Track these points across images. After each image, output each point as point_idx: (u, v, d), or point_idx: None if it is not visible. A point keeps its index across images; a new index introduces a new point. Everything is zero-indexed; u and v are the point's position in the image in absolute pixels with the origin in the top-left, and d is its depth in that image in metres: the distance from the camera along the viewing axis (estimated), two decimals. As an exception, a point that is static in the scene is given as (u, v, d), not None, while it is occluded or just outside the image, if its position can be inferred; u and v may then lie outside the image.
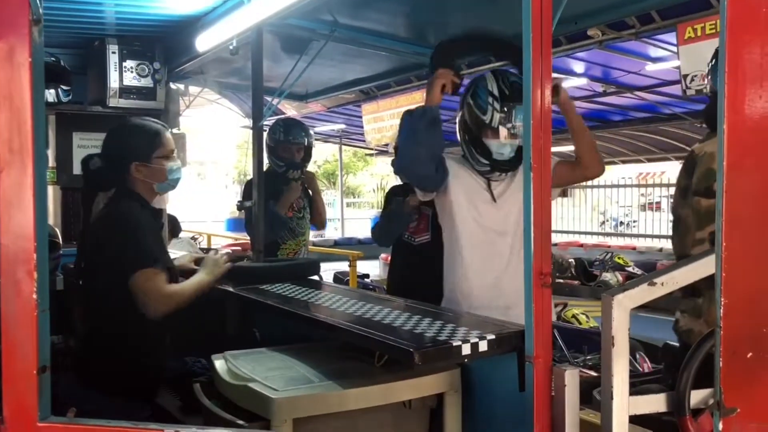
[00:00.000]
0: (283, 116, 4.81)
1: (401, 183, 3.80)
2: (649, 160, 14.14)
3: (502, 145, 2.57)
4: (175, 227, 6.21)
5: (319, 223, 4.41)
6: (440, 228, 3.46)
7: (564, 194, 12.82)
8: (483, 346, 1.71)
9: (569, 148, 2.63)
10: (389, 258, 3.99)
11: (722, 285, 0.86)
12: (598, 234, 15.03)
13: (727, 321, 0.83)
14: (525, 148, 1.40)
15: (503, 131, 2.53)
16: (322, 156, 29.04)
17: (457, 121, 2.71)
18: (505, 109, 2.52)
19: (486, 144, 2.59)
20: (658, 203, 15.63)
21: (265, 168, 3.65)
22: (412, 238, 3.61)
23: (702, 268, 1.36)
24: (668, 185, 15.08)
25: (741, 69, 1.01)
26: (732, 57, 1.02)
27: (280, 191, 3.91)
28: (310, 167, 4.26)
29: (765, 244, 0.94)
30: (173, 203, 4.78)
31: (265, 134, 3.83)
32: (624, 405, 1.36)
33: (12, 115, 0.96)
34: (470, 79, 2.78)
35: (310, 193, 4.22)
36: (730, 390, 0.82)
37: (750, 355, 0.80)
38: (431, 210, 3.51)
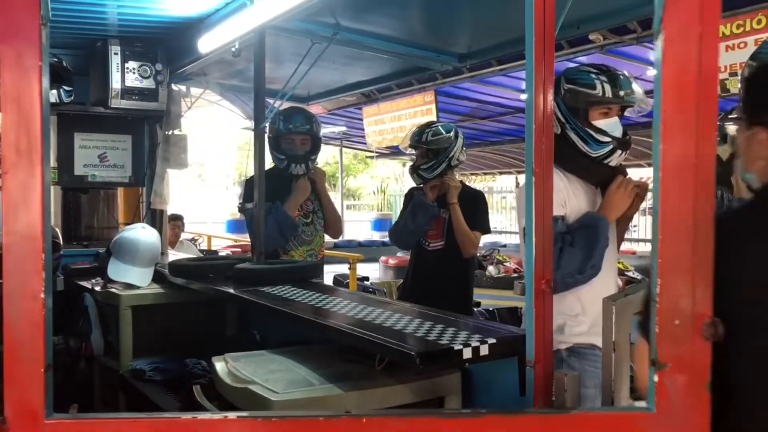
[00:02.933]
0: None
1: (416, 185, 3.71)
2: (650, 165, 14.10)
3: (615, 123, 2.38)
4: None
5: (332, 230, 3.76)
6: (454, 235, 3.44)
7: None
8: (484, 350, 1.71)
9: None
10: (388, 260, 3.96)
11: (658, 269, 1.06)
12: (597, 238, 14.96)
13: (662, 297, 1.06)
14: (527, 153, 1.40)
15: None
16: (323, 158, 29.06)
17: (560, 119, 2.33)
18: (611, 79, 2.36)
19: (600, 123, 2.35)
20: (658, 208, 15.64)
21: (268, 167, 3.43)
22: (427, 242, 3.56)
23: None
24: (668, 190, 15.08)
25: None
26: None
27: (287, 191, 3.50)
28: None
29: (688, 233, 1.07)
30: (173, 205, 4.77)
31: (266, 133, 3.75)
32: (624, 409, 1.37)
33: (20, 118, 0.96)
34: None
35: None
36: (662, 350, 1.06)
37: (677, 322, 1.06)
38: (448, 214, 3.49)
